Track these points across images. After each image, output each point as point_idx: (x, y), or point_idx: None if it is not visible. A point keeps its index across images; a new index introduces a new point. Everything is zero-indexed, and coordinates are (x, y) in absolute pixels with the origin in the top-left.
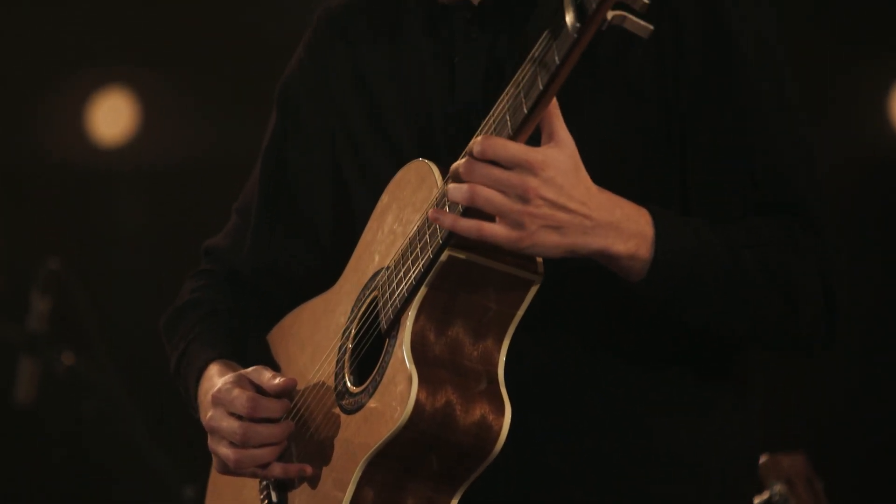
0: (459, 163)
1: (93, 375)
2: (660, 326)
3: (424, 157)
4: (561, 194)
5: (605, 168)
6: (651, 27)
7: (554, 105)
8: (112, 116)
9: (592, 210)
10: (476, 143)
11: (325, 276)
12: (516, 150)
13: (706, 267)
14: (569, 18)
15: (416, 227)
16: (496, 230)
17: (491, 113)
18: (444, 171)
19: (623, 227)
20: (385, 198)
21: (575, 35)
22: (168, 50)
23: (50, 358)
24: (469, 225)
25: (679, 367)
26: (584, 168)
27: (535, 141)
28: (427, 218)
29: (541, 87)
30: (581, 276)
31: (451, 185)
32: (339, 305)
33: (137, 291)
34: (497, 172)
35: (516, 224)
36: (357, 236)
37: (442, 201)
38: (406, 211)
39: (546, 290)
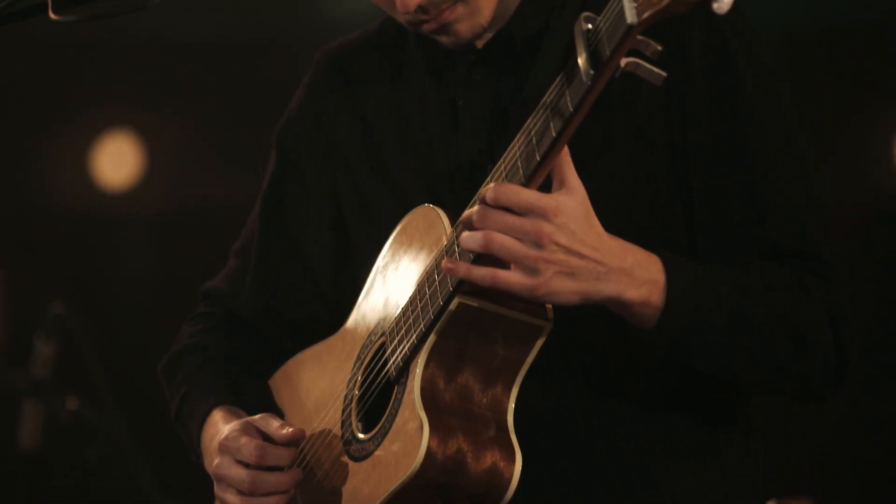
0: (472, 210)
1: (97, 420)
2: (667, 374)
3: (428, 200)
4: (574, 240)
5: (614, 213)
6: (664, 74)
7: (565, 152)
8: (116, 161)
9: (605, 256)
10: (489, 189)
11: (327, 319)
12: (530, 196)
13: (717, 313)
14: (582, 65)
15: (425, 274)
16: (511, 277)
17: (502, 159)
18: (452, 215)
19: (635, 274)
20: (391, 242)
21: (589, 83)
22: (172, 94)
23: (54, 402)
24: (483, 273)
25: (686, 414)
26: (595, 214)
27: (544, 188)
28: (436, 264)
29: (553, 135)
30: (588, 323)
31: (465, 234)
32: (344, 352)
33: (142, 336)
34: (511, 219)
35: (531, 270)
36: (357, 280)
37: (452, 249)
38: (413, 256)
39: (553, 337)
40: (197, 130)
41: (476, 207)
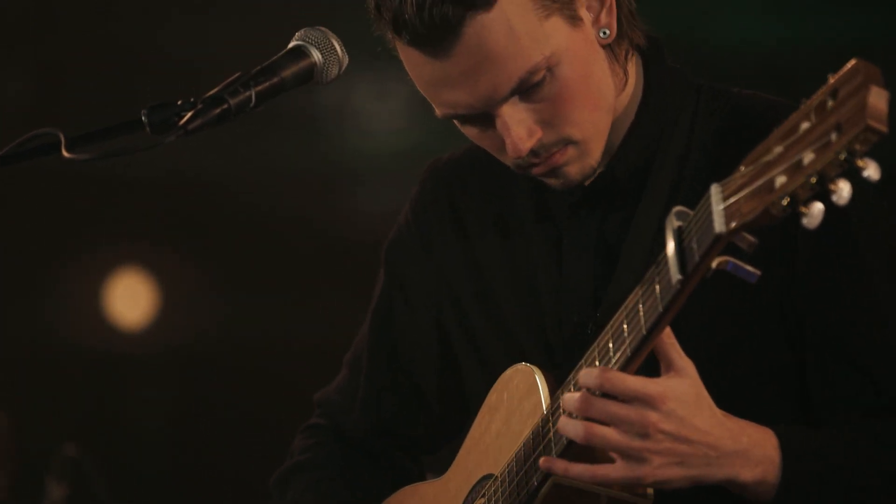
0: (573, 397)
1: None
2: None
3: (533, 344)
4: (683, 426)
5: (724, 382)
6: (758, 273)
7: (668, 333)
8: (129, 298)
9: (717, 439)
10: (591, 375)
11: (436, 434)
12: (634, 383)
13: (833, 486)
14: (671, 268)
15: (522, 448)
16: (613, 472)
17: (597, 342)
18: (551, 380)
19: (750, 455)
20: (493, 396)
21: (678, 286)
22: (185, 231)
23: None
24: (581, 471)
25: None
26: (707, 395)
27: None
28: (533, 443)
29: (644, 332)
30: (692, 495)
31: (564, 421)
32: (447, 501)
33: (157, 478)
34: (615, 408)
35: (637, 460)
36: (466, 403)
37: (547, 431)
38: (513, 420)
39: None
40: (211, 267)
41: (578, 394)
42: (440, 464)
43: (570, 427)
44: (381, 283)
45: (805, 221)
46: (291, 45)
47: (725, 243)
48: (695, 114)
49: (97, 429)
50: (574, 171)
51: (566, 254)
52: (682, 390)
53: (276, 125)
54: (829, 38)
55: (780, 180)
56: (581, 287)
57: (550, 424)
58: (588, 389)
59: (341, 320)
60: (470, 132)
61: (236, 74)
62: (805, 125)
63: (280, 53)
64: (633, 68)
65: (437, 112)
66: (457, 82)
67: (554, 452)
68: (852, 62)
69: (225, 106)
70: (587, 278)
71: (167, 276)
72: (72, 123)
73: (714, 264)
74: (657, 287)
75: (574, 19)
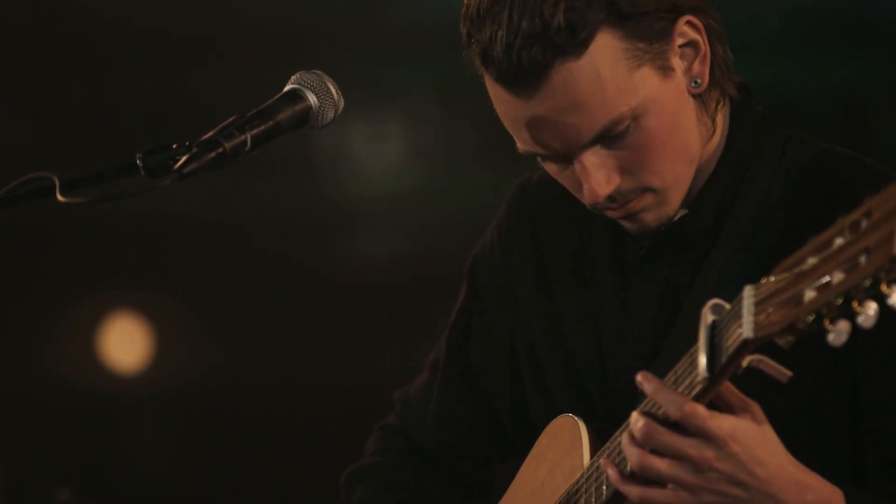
0: (638, 425)
1: None
2: None
3: (593, 386)
4: (740, 470)
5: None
6: (789, 374)
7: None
8: (123, 342)
9: (780, 490)
10: (674, 405)
11: (507, 451)
12: (706, 421)
13: None
14: (700, 364)
15: (563, 499)
16: (659, 497)
17: (647, 401)
18: (593, 435)
19: None
20: (543, 440)
21: (704, 384)
22: (181, 273)
23: None
24: (632, 490)
25: None
26: (777, 439)
27: None
28: (566, 495)
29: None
30: None
31: (626, 441)
32: None
33: None
34: (677, 441)
35: (688, 492)
36: (533, 426)
37: (577, 497)
38: (557, 472)
39: None
40: (207, 310)
41: (643, 420)
42: (513, 469)
43: (628, 451)
44: (462, 297)
45: (831, 338)
46: (287, 88)
47: (755, 346)
48: (778, 164)
49: (92, 474)
50: (650, 218)
51: (631, 300)
52: (750, 433)
53: (271, 168)
54: (828, 84)
55: (809, 295)
56: (643, 335)
57: (583, 489)
58: (657, 417)
59: (339, 363)
60: (550, 168)
61: (231, 118)
62: (839, 241)
63: (275, 97)
64: (721, 118)
65: (519, 147)
66: (539, 124)
67: None
68: (891, 186)
69: (220, 150)
70: (650, 327)
71: (162, 320)
72: (66, 167)
73: (745, 363)
74: (687, 380)
75: (665, 69)
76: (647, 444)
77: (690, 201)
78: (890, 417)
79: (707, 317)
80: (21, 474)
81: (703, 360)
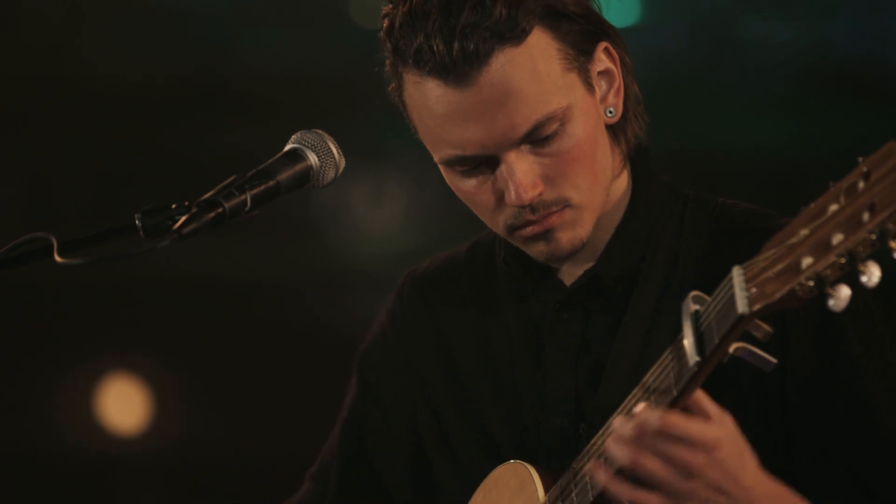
0: (627, 423)
1: None
2: None
3: (515, 449)
4: (726, 478)
5: None
6: (774, 361)
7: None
8: (120, 404)
9: (756, 498)
10: (656, 416)
11: None
12: (692, 428)
13: None
14: (689, 350)
15: None
16: (650, 500)
17: (602, 431)
18: (544, 475)
19: None
20: (479, 496)
21: (695, 369)
22: (179, 335)
23: None
24: (622, 489)
25: None
26: (749, 449)
27: None
28: None
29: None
30: None
31: (614, 443)
32: None
33: None
34: (668, 447)
35: (677, 498)
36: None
37: (594, 451)
38: None
39: None
40: (204, 372)
41: (632, 421)
42: None
43: (619, 451)
44: (352, 392)
45: (831, 304)
46: (287, 147)
47: (746, 326)
48: (681, 222)
49: None
50: (565, 238)
51: (548, 358)
52: (733, 441)
53: (270, 227)
54: (834, 143)
55: (807, 261)
56: (563, 393)
57: (601, 449)
58: (647, 425)
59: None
60: (466, 186)
61: (231, 177)
62: (833, 207)
63: (276, 156)
64: (625, 167)
65: (439, 156)
66: (473, 116)
67: None
68: (888, 144)
69: (220, 210)
70: (569, 385)
71: (160, 382)
72: (65, 228)
73: (731, 349)
74: (671, 372)
75: (589, 85)
76: (638, 444)
77: (599, 254)
78: (831, 430)
79: (690, 306)
80: None
81: (691, 345)
